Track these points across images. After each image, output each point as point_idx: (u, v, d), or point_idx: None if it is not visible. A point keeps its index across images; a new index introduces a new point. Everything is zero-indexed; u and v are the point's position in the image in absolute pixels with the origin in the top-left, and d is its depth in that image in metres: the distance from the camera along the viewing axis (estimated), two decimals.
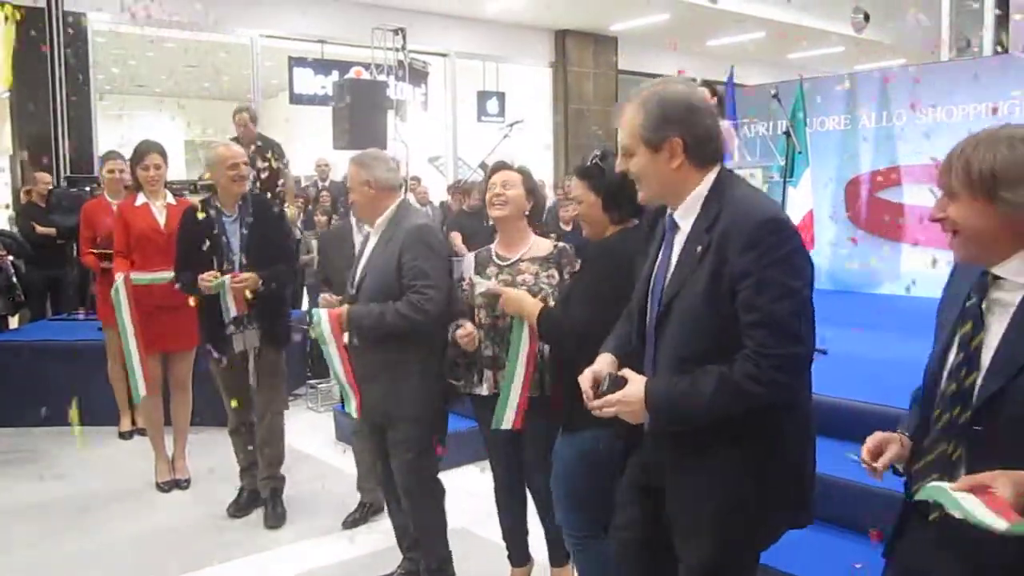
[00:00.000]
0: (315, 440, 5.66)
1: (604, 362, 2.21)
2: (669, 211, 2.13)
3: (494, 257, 3.24)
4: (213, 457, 4.92)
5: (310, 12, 11.82)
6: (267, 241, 4.23)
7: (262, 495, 4.46)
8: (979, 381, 1.65)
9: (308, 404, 6.56)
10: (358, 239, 4.01)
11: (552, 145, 15.01)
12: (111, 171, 5.72)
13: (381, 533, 4.10)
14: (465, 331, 3.11)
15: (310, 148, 11.85)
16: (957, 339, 1.73)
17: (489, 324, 3.17)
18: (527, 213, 3.21)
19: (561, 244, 3.24)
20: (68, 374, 5.88)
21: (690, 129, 2.02)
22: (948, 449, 1.69)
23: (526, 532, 3.52)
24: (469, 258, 3.33)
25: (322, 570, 3.85)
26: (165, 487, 4.81)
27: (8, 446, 5.69)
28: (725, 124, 6.33)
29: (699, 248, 1.99)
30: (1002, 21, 9.52)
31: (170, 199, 4.79)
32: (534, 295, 2.99)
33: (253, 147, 6.74)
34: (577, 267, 3.07)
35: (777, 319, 1.88)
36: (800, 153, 6.59)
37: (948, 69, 8.01)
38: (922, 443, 1.77)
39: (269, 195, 6.39)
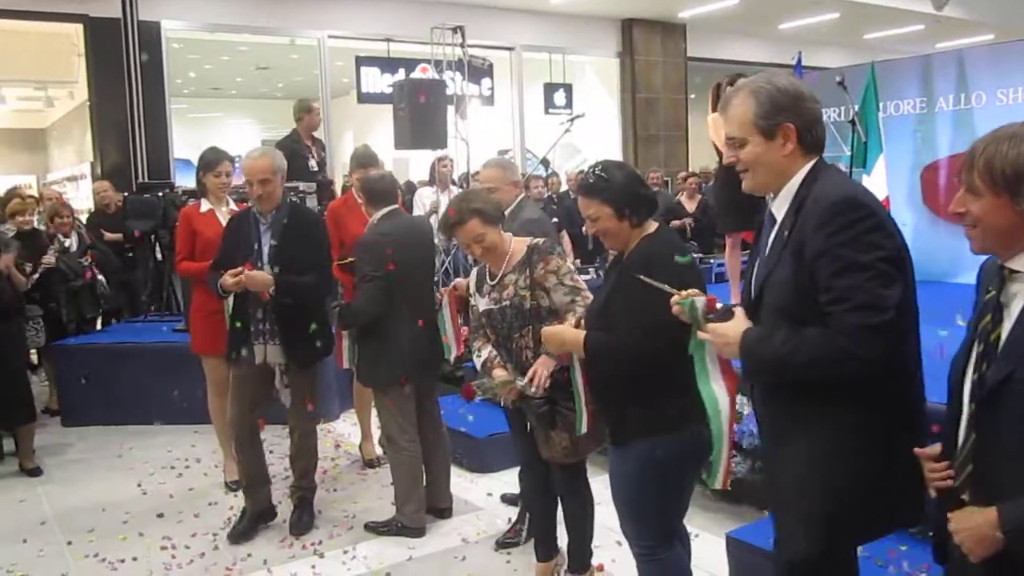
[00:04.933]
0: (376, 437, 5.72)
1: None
2: (769, 207, 2.17)
3: (487, 276, 3.38)
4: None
5: (376, 11, 11.95)
6: (299, 252, 4.05)
7: (292, 501, 4.42)
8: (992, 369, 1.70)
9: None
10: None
11: (621, 135, 14.86)
12: (218, 175, 5.04)
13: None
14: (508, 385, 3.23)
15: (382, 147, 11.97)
16: (978, 332, 1.77)
17: (494, 340, 3.33)
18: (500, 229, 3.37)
19: (534, 241, 3.34)
20: (145, 375, 6.10)
21: (801, 115, 2.08)
22: (974, 439, 1.73)
23: (554, 527, 3.61)
24: (473, 272, 3.45)
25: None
26: (234, 486, 4.92)
27: (91, 444, 5.91)
28: None
29: (785, 233, 2.06)
30: None
31: (232, 205, 4.88)
32: (556, 312, 3.14)
33: (310, 140, 7.00)
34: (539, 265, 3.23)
35: (850, 295, 1.88)
36: (866, 142, 6.37)
37: None
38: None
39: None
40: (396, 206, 4.29)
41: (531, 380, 3.10)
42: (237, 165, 5.16)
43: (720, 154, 5.78)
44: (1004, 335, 1.71)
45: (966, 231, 1.76)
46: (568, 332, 2.81)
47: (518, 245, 3.35)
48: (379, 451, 5.29)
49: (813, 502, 2.04)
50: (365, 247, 4.06)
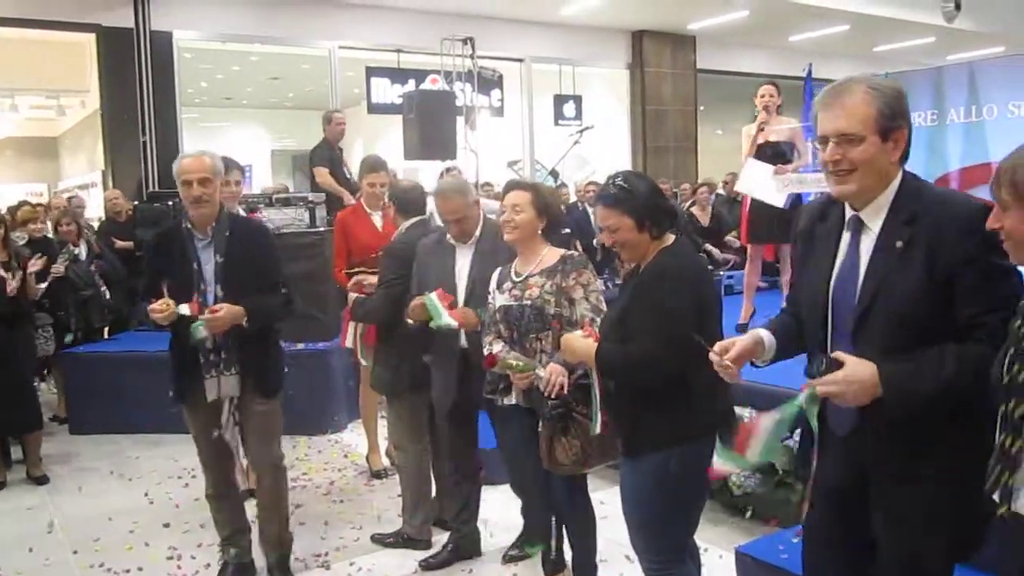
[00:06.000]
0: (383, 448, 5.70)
1: (751, 337, 2.23)
2: (851, 211, 2.12)
3: (512, 274, 3.35)
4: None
5: (386, 22, 11.97)
6: (251, 269, 3.54)
7: (268, 562, 3.85)
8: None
9: (382, 412, 6.60)
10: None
11: (630, 147, 14.85)
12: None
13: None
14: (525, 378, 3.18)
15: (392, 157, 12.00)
16: (1011, 336, 1.78)
17: (507, 336, 3.30)
18: (541, 230, 3.33)
19: (568, 252, 3.35)
20: (153, 384, 6.08)
21: (909, 123, 2.06)
22: (1007, 440, 1.74)
23: (561, 541, 3.60)
24: (496, 272, 3.43)
25: None
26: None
27: (98, 453, 5.91)
28: (794, 124, 6.14)
29: (899, 243, 2.00)
30: None
31: (242, 214, 4.89)
32: (573, 324, 3.11)
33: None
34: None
35: (1007, 304, 1.87)
36: None
37: None
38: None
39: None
40: (425, 216, 4.28)
41: (547, 381, 3.07)
42: (248, 175, 5.19)
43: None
44: None
45: (1004, 245, 1.79)
46: (579, 342, 2.79)
47: (552, 252, 3.34)
48: (386, 462, 5.27)
49: (942, 538, 2.01)
50: (390, 254, 4.05)
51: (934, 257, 1.95)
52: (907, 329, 1.98)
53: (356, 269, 4.38)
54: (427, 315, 3.51)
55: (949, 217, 1.97)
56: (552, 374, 3.06)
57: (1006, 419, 1.73)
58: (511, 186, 3.40)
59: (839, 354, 2.02)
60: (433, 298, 3.49)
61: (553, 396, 3.06)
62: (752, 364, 2.31)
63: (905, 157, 2.08)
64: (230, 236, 3.52)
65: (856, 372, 1.95)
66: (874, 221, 2.07)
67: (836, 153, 2.03)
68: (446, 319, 3.49)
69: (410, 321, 3.65)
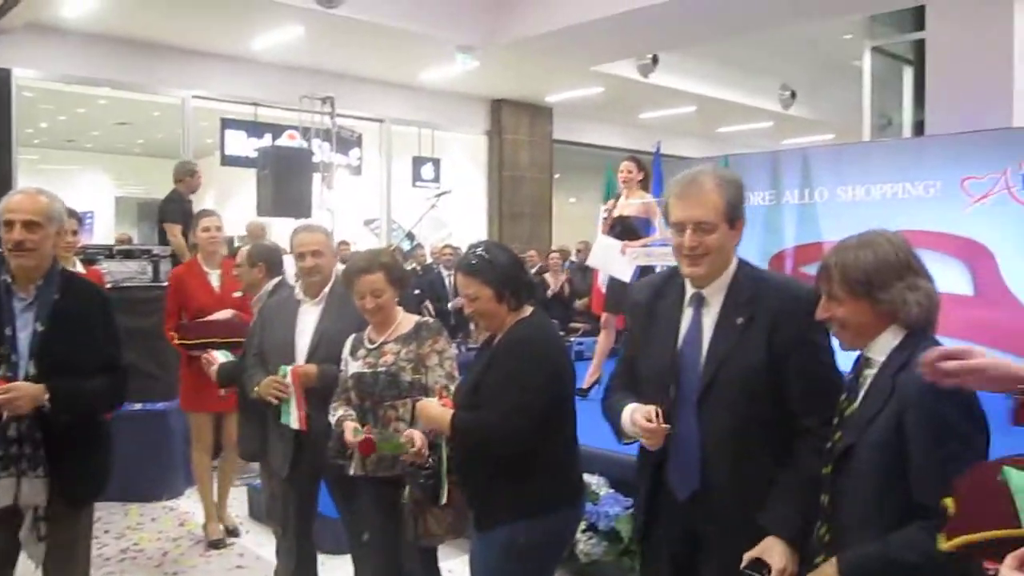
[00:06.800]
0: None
1: (640, 409, 2.25)
2: (692, 288, 2.29)
3: (366, 341, 3.29)
4: None
5: (244, 75, 11.77)
6: (78, 343, 2.81)
7: None
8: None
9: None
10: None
11: (487, 211, 15.07)
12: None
13: None
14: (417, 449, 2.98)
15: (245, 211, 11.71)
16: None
17: (357, 404, 3.21)
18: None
19: (423, 319, 3.34)
20: None
21: (744, 212, 2.28)
22: (823, 499, 2.01)
23: None
24: (349, 340, 3.35)
25: None
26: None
27: None
28: (648, 198, 6.38)
29: (739, 319, 2.20)
30: (919, 100, 9.94)
31: (79, 267, 4.64)
32: (427, 390, 3.06)
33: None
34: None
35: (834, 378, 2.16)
36: None
37: (868, 148, 8.27)
38: None
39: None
40: (282, 277, 4.17)
41: (417, 451, 2.94)
42: (89, 222, 4.97)
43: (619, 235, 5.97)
44: (852, 411, 1.97)
45: (834, 332, 2.03)
46: (435, 410, 2.76)
47: (406, 318, 3.31)
48: (223, 530, 5.03)
49: None
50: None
51: (773, 334, 2.16)
52: (748, 399, 2.17)
53: (194, 341, 4.25)
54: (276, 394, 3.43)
55: (790, 299, 2.20)
56: (421, 443, 3.00)
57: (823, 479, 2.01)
58: (362, 270, 3.22)
59: (764, 551, 2.07)
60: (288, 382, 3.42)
61: (423, 465, 2.98)
62: (620, 440, 2.39)
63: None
64: (58, 300, 2.80)
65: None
66: (715, 298, 2.26)
67: (694, 240, 2.20)
68: (292, 416, 3.42)
69: (256, 392, 3.51)
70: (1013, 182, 6.21)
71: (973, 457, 1.73)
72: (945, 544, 1.51)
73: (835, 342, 2.12)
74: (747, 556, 2.09)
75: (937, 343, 1.93)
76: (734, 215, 2.23)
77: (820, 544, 1.99)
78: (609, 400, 2.44)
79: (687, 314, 2.29)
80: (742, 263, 2.30)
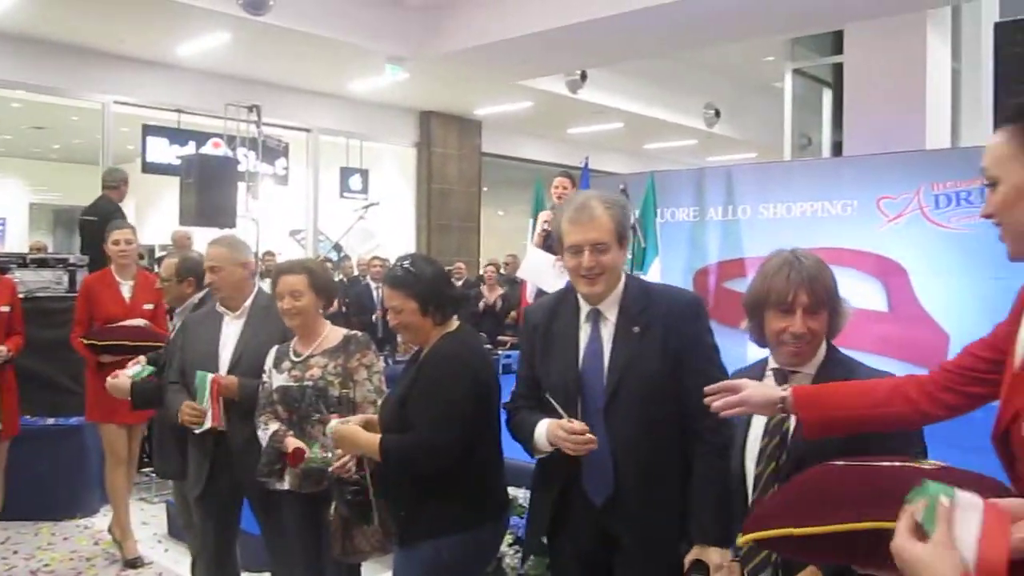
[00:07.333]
0: (143, 535, 5.28)
1: (561, 423, 2.29)
2: (587, 306, 2.41)
3: (291, 354, 3.23)
4: None
5: (167, 81, 11.51)
6: None
7: None
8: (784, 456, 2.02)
9: (141, 494, 6.14)
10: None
11: (415, 223, 15.01)
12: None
13: None
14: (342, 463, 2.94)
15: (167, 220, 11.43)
16: (769, 428, 2.08)
17: (285, 418, 3.15)
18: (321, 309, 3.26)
19: (351, 332, 3.28)
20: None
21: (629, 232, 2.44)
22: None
23: None
24: (272, 351, 3.29)
25: None
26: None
27: None
28: None
29: (636, 329, 2.33)
30: (838, 121, 10.26)
31: None
32: (355, 406, 3.04)
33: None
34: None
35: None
36: (645, 247, 6.78)
37: (790, 167, 8.48)
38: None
39: None
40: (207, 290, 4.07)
41: (344, 465, 2.90)
42: (1, 229, 4.82)
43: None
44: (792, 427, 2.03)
45: (792, 349, 2.06)
46: (362, 436, 2.70)
47: (333, 331, 3.25)
48: (140, 549, 4.88)
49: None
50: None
51: (668, 338, 2.32)
52: (651, 403, 2.31)
53: (102, 343, 4.12)
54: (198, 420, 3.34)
55: (681, 305, 2.40)
56: (349, 458, 2.94)
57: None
58: (283, 271, 3.21)
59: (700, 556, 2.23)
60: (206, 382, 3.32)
61: (350, 480, 2.93)
62: (533, 456, 2.47)
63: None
64: None
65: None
66: (611, 312, 2.39)
67: (592, 260, 2.32)
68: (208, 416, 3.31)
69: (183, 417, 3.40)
70: (926, 202, 6.45)
71: None
72: (740, 539, 1.71)
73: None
74: (687, 560, 2.22)
75: (850, 358, 2.10)
76: (623, 235, 2.38)
77: None
78: (515, 419, 2.51)
79: (585, 330, 2.42)
80: (629, 277, 2.45)
